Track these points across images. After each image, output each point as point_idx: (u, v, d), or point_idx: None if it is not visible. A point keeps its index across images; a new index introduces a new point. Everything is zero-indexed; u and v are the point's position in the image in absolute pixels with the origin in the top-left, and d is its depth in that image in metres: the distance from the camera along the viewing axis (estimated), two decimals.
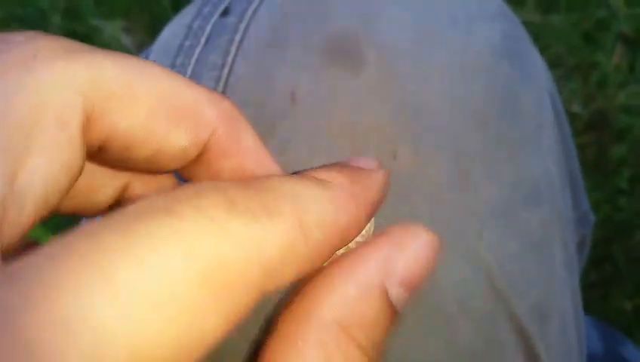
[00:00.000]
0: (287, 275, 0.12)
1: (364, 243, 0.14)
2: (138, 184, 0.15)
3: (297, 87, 0.19)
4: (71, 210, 0.15)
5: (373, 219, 0.16)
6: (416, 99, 0.19)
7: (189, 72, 0.20)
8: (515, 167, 0.19)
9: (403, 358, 0.17)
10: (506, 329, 0.18)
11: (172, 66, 0.21)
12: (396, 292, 0.13)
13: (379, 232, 0.15)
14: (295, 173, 0.14)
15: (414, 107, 0.19)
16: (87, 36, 0.73)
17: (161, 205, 0.10)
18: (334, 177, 0.13)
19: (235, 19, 0.21)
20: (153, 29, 0.72)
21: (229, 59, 0.20)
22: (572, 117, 0.74)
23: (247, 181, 0.12)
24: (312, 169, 0.14)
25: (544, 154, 0.21)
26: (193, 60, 0.20)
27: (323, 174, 0.13)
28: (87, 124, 0.12)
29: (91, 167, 0.15)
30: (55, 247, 0.09)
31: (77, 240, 0.09)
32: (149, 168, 0.14)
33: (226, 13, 0.21)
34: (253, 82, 0.19)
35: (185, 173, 0.15)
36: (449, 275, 0.18)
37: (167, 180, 0.16)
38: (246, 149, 0.14)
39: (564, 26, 0.76)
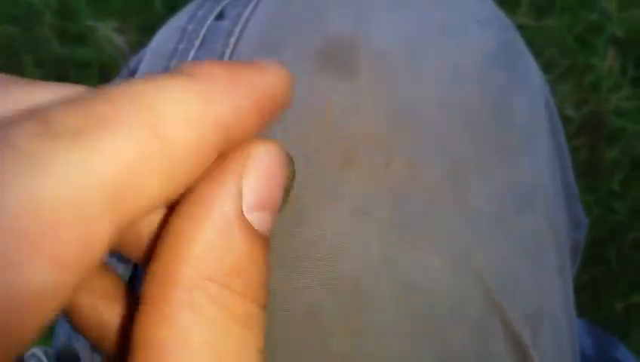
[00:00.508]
0: (151, 191, 0.10)
1: (205, 179, 0.12)
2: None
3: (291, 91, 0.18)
4: None
5: None
6: (410, 105, 0.19)
7: None
8: (509, 173, 0.19)
9: None
10: (500, 335, 0.18)
11: (166, 69, 0.21)
12: (257, 218, 0.12)
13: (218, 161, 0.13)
14: None
15: (408, 113, 0.19)
16: (81, 36, 0.73)
17: None
18: (209, 68, 0.12)
19: (230, 22, 0.21)
20: (146, 30, 0.72)
21: None
22: (565, 119, 0.74)
23: (83, 96, 0.10)
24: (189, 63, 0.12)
25: (537, 159, 0.21)
26: None
27: (196, 68, 0.12)
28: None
29: None
30: None
31: None
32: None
33: (220, 16, 0.21)
34: None
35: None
36: (442, 282, 0.18)
37: None
38: None
39: (558, 29, 0.76)
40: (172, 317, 0.11)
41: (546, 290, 0.20)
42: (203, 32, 0.21)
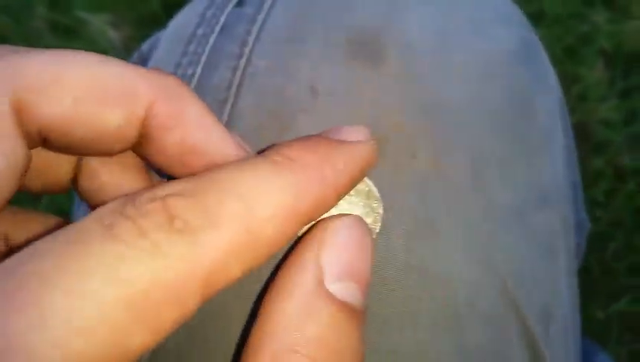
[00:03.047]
0: (234, 275, 0.12)
1: (292, 253, 0.13)
2: (92, 158, 0.16)
3: (318, 80, 0.18)
4: (39, 189, 0.16)
5: (379, 200, 0.15)
6: (436, 98, 0.19)
7: (203, 59, 0.20)
8: (529, 170, 0.20)
9: (413, 356, 0.17)
10: (515, 331, 0.18)
11: (184, 54, 0.21)
12: (341, 288, 0.13)
13: (301, 237, 0.14)
14: (261, 151, 0.14)
15: (434, 106, 0.19)
16: (73, 28, 0.72)
17: (100, 227, 0.11)
18: (301, 156, 0.12)
19: (251, 9, 0.20)
20: (140, 24, 0.71)
21: (247, 50, 0.19)
22: None
23: (189, 181, 0.12)
24: (281, 143, 0.13)
25: (556, 158, 0.21)
26: (208, 48, 0.20)
27: (288, 151, 0.13)
28: (18, 117, 0.13)
29: (44, 151, 0.15)
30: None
31: (15, 266, 0.10)
32: (96, 150, 0.14)
33: (240, 4, 0.21)
34: (273, 74, 0.19)
35: (137, 152, 0.15)
36: (461, 276, 0.18)
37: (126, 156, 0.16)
38: (188, 121, 0.14)
39: (548, 39, 0.78)
40: None
41: (558, 288, 0.20)
42: (223, 18, 0.21)
